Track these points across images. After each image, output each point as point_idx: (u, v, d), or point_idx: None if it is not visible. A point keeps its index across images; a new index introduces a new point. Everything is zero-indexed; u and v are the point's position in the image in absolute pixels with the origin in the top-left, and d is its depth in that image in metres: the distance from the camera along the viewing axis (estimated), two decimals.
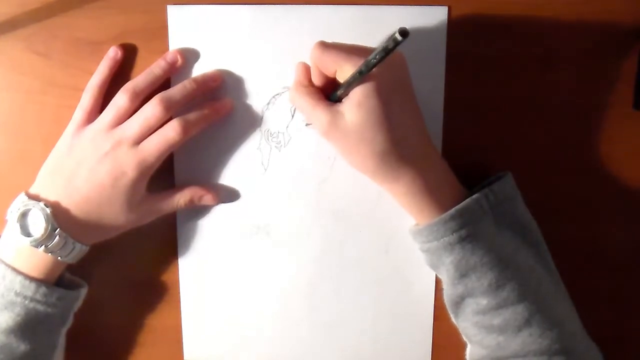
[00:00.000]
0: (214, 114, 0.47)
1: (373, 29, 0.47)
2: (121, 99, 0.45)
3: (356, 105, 0.41)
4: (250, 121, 0.49)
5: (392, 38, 0.36)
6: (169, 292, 0.52)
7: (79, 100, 0.47)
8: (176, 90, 0.46)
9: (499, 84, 0.49)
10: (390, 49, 0.37)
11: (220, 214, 0.50)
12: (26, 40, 0.48)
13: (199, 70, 0.48)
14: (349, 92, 0.42)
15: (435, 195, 0.44)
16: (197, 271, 0.52)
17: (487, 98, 0.49)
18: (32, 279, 0.44)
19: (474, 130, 0.49)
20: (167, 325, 0.53)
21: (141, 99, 0.46)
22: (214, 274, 0.52)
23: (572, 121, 0.50)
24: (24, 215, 0.44)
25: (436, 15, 0.47)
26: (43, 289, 0.44)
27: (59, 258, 0.45)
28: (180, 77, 0.47)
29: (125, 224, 0.46)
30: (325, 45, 0.42)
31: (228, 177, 0.50)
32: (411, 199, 0.45)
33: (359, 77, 0.40)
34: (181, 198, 0.48)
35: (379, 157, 0.42)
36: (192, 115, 0.46)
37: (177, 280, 0.52)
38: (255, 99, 0.49)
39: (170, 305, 0.52)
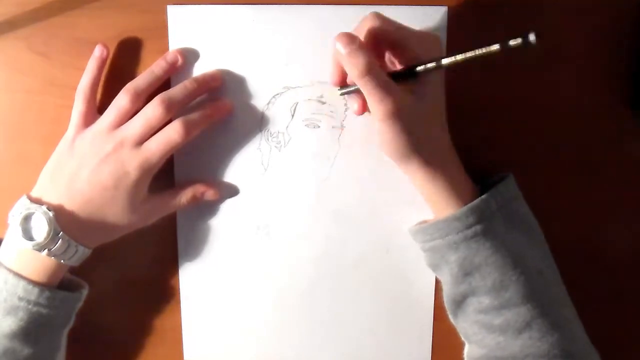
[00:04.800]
0: (215, 114, 0.47)
1: None
2: (122, 100, 0.45)
3: (431, 90, 0.42)
4: (250, 121, 0.49)
5: (523, 38, 0.36)
6: (169, 292, 0.52)
7: None
8: (177, 91, 0.46)
9: (499, 84, 0.49)
10: (512, 47, 0.37)
11: (220, 214, 0.50)
12: (26, 40, 0.48)
13: (199, 70, 0.48)
14: (420, 74, 0.42)
15: (454, 189, 0.44)
16: (197, 271, 0.51)
17: (487, 98, 0.49)
18: (35, 283, 0.44)
19: (474, 130, 0.49)
20: (167, 325, 0.53)
21: (142, 100, 0.46)
22: (214, 274, 0.52)
23: (572, 121, 0.50)
24: (26, 219, 0.44)
25: (436, 15, 0.47)
26: (46, 293, 0.44)
27: (62, 261, 0.45)
28: (181, 77, 0.47)
29: (128, 225, 0.46)
30: (388, 20, 0.43)
31: (228, 177, 0.50)
32: (435, 189, 0.45)
33: (444, 64, 0.40)
34: (183, 196, 0.48)
35: (434, 142, 0.44)
36: (194, 116, 0.46)
37: (177, 280, 0.52)
38: (255, 99, 0.49)
39: (170, 305, 0.52)
